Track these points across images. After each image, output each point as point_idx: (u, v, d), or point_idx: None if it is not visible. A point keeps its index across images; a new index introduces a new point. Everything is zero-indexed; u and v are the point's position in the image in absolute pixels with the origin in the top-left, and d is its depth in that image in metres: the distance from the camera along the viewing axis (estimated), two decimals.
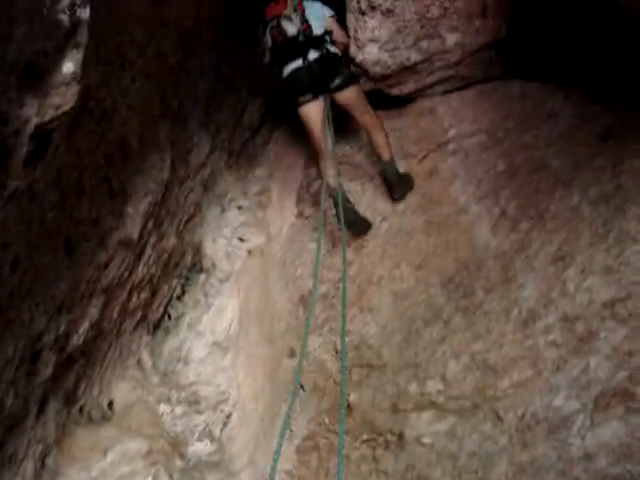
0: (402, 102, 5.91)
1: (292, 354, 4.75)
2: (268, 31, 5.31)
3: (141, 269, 4.41)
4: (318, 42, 5.23)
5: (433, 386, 3.91)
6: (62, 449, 4.01)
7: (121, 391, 4.64)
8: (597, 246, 4.03)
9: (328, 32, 5.37)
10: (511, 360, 3.78)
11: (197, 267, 5.65)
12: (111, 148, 3.64)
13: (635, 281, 3.73)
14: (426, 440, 3.73)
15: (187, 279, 5.60)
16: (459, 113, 5.57)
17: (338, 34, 5.45)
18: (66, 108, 2.20)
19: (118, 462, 4.14)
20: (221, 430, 4.70)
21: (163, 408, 4.73)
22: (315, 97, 5.23)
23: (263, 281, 5.42)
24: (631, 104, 4.58)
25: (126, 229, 3.90)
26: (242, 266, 5.60)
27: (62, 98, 2.18)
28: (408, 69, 5.63)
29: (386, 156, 5.27)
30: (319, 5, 5.49)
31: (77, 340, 3.73)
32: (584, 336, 3.69)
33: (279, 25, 5.23)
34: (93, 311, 3.82)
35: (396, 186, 5.24)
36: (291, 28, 5.20)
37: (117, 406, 4.55)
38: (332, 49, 5.30)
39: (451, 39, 5.48)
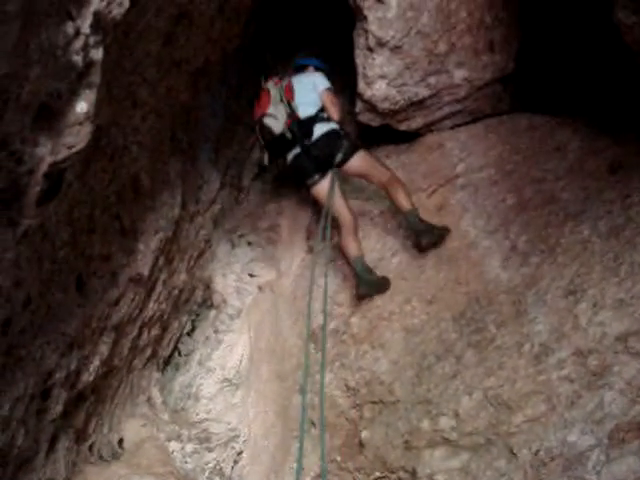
0: (411, 137, 5.94)
1: (301, 390, 4.72)
2: (257, 131, 5.32)
3: (152, 306, 4.42)
4: (311, 124, 5.24)
5: (446, 422, 3.87)
6: None
7: (131, 428, 4.62)
8: (608, 280, 4.01)
9: (322, 109, 5.35)
10: (524, 395, 3.74)
11: (207, 303, 5.65)
12: (122, 185, 3.67)
13: None
14: (439, 477, 3.68)
15: (197, 315, 5.60)
16: (468, 147, 5.59)
17: (331, 110, 5.38)
18: (79, 147, 2.23)
19: None
20: (232, 468, 4.66)
21: (173, 446, 4.70)
22: (323, 175, 5.23)
23: (273, 317, 5.41)
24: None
25: (137, 266, 3.92)
26: (252, 302, 5.60)
27: (75, 137, 2.20)
28: (416, 104, 5.68)
29: (407, 206, 5.03)
30: (311, 78, 5.53)
31: (88, 377, 3.73)
32: (598, 370, 3.65)
33: (264, 125, 5.23)
34: (104, 348, 3.82)
35: (423, 235, 4.93)
36: (276, 126, 5.19)
37: (127, 444, 4.53)
38: (327, 126, 5.27)
39: (459, 74, 5.53)
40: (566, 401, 3.63)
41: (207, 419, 4.99)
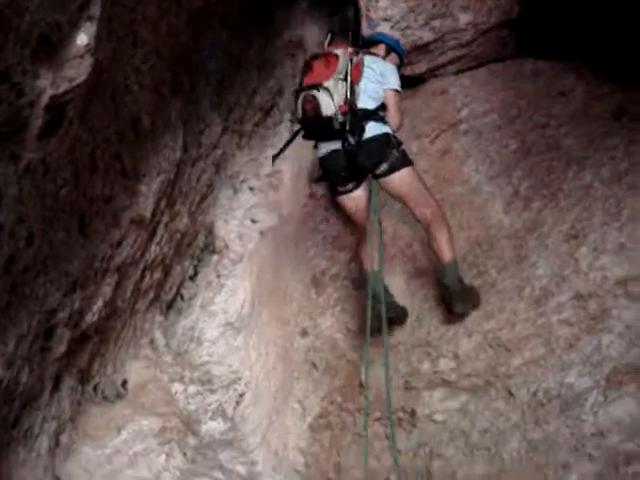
0: (414, 82, 5.88)
1: (304, 334, 4.76)
2: (300, 100, 4.16)
3: (154, 249, 4.44)
4: (365, 119, 4.17)
5: (445, 364, 3.92)
6: (76, 427, 4.05)
7: (135, 370, 4.68)
8: (610, 224, 4.02)
9: (381, 107, 4.32)
10: (524, 338, 3.79)
11: (210, 248, 5.66)
12: (123, 126, 3.65)
13: None
14: (438, 417, 3.75)
15: (200, 260, 5.62)
16: (471, 93, 5.53)
17: (393, 112, 4.37)
18: (80, 80, 2.21)
19: (132, 440, 4.19)
20: (234, 409, 4.73)
21: (176, 387, 4.76)
22: (357, 186, 4.27)
23: (275, 262, 5.42)
24: None
25: (139, 207, 3.92)
26: (254, 247, 5.61)
27: (76, 70, 2.19)
28: (420, 49, 5.59)
29: (447, 257, 4.07)
30: (383, 67, 4.42)
31: (91, 317, 3.76)
32: (597, 314, 3.69)
33: (314, 98, 4.08)
34: (107, 289, 3.85)
35: (457, 298, 4.01)
36: (328, 106, 4.06)
37: (131, 385, 4.59)
38: (380, 129, 4.20)
39: (463, 18, 5.43)
40: (565, 344, 3.67)
41: (209, 362, 5.05)
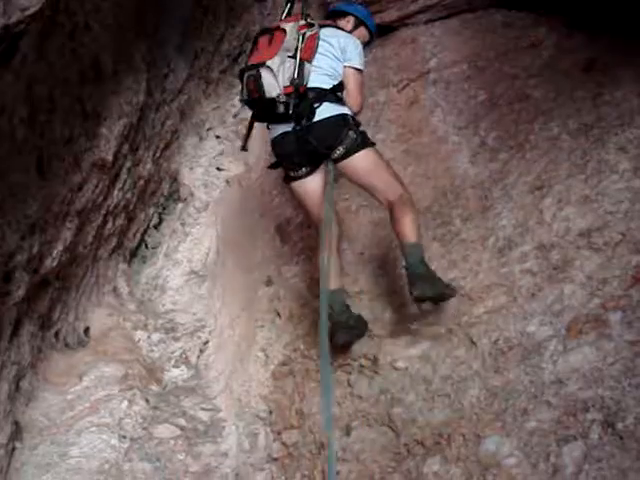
0: (385, 31, 5.80)
1: (269, 282, 4.75)
2: (245, 80, 3.82)
3: (116, 194, 4.37)
4: (317, 100, 3.80)
5: (408, 313, 3.93)
6: (37, 373, 4.02)
7: (97, 317, 4.64)
8: (575, 176, 4.03)
9: (339, 86, 3.91)
10: (486, 287, 3.80)
11: (174, 196, 5.60)
12: (84, 67, 3.55)
13: (612, 211, 3.75)
14: (400, 364, 3.76)
15: (164, 208, 5.56)
16: (441, 42, 5.49)
17: (352, 93, 3.96)
18: (33, 10, 2.12)
19: (94, 386, 4.17)
20: (198, 357, 4.72)
21: (140, 335, 4.74)
22: (312, 171, 3.95)
23: (241, 211, 5.38)
24: (615, 34, 4.53)
25: (100, 151, 3.84)
26: (220, 196, 5.57)
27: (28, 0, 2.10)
28: None
29: (412, 238, 3.72)
30: (343, 41, 3.98)
31: (51, 263, 3.70)
32: (559, 264, 3.71)
33: (257, 78, 3.72)
34: (67, 234, 3.78)
35: (420, 280, 3.62)
36: (271, 87, 3.70)
37: (93, 332, 4.56)
38: (336, 109, 3.83)
39: None
40: (527, 293, 3.69)
41: (173, 310, 5.03)
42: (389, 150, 4.93)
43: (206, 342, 4.77)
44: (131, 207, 4.78)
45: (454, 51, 5.34)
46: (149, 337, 4.75)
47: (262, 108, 3.87)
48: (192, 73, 5.47)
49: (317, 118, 3.79)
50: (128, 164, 4.40)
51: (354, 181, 4.02)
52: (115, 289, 4.91)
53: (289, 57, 3.73)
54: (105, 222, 4.40)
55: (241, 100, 4.07)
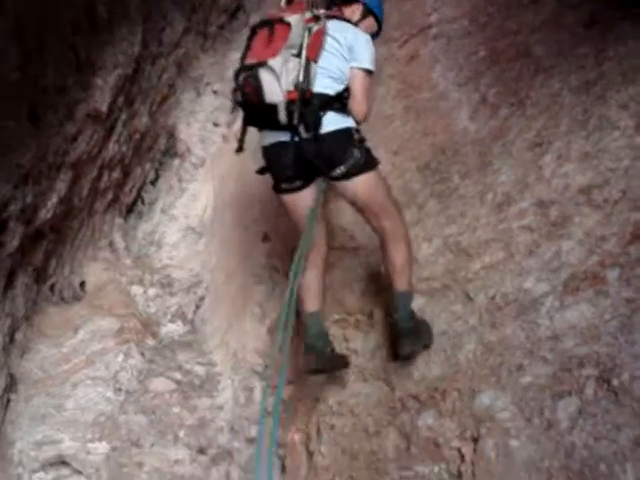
0: None
1: (265, 238, 4.73)
2: (240, 82, 3.31)
3: (111, 146, 4.32)
4: (322, 109, 3.31)
5: None
6: (32, 325, 4.02)
7: (93, 272, 4.63)
8: (576, 133, 3.97)
9: (345, 91, 3.42)
10: (484, 243, 3.77)
11: (171, 152, 5.55)
12: (78, 14, 3.49)
13: (612, 167, 3.70)
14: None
15: (161, 164, 5.51)
16: None
17: (359, 99, 3.43)
18: None
19: (89, 339, 4.17)
20: (194, 312, 4.72)
21: (136, 290, 4.73)
22: (305, 185, 3.53)
23: (238, 167, 5.33)
24: None
25: (95, 101, 3.79)
26: (217, 151, 5.52)
27: None
28: None
29: (401, 286, 3.47)
30: (351, 36, 3.45)
31: (45, 214, 3.67)
32: (558, 221, 3.67)
33: (256, 79, 3.20)
34: (61, 185, 3.75)
35: (406, 337, 3.42)
36: (272, 91, 3.19)
37: (89, 286, 4.55)
38: (342, 121, 3.37)
39: None
40: (524, 249, 3.66)
41: (170, 265, 5.01)
42: (389, 106, 4.89)
43: (202, 297, 4.77)
44: (127, 161, 4.74)
45: (455, 6, 5.25)
46: (145, 292, 4.74)
47: (260, 115, 3.35)
48: (189, 27, 5.39)
49: (322, 131, 3.30)
50: (123, 116, 4.35)
51: (348, 201, 3.62)
52: (111, 244, 4.89)
53: (293, 56, 3.21)
54: (100, 175, 4.36)
55: (236, 102, 3.54)
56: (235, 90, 3.39)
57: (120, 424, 3.86)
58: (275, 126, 3.33)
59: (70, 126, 3.62)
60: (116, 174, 4.62)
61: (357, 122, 3.46)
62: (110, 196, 4.69)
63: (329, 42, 3.38)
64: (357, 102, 3.43)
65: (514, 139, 4.16)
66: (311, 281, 3.62)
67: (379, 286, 3.94)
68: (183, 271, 4.93)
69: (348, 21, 3.60)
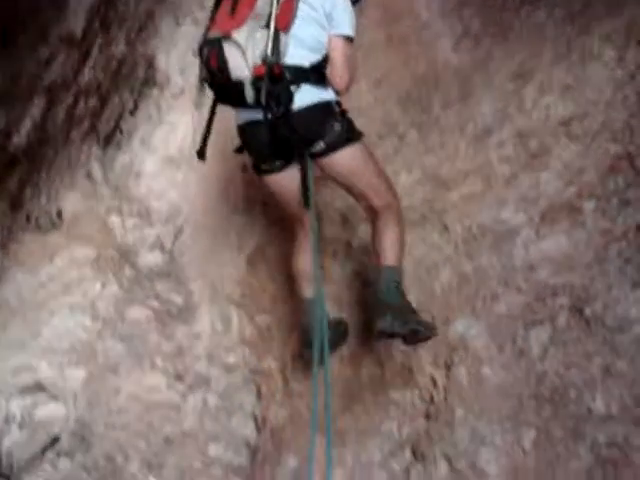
0: None
1: (245, 169, 4.68)
2: (204, 57, 3.04)
3: (87, 72, 4.26)
4: (295, 82, 3.01)
5: None
6: (8, 253, 4.02)
7: (70, 201, 4.60)
8: (558, 65, 3.93)
9: (323, 61, 3.11)
10: (462, 173, 3.77)
11: (150, 81, 5.43)
12: None
13: (593, 100, 3.67)
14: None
15: (140, 94, 5.40)
16: None
17: (339, 69, 3.14)
18: None
19: (66, 267, 4.17)
20: (172, 242, 4.69)
21: (114, 219, 4.70)
22: (286, 164, 3.26)
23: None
24: None
25: (68, 24, 3.72)
26: (197, 81, 5.41)
27: None
28: None
29: (389, 259, 3.15)
30: (335, 1, 3.10)
31: (19, 140, 3.64)
32: (537, 152, 3.67)
33: (220, 53, 2.92)
34: (35, 111, 3.71)
35: (391, 312, 3.05)
36: (237, 66, 2.90)
37: (66, 215, 4.53)
38: (318, 95, 3.08)
39: None
40: (503, 180, 3.66)
41: (149, 195, 4.94)
42: (370, 36, 4.79)
43: (181, 228, 4.72)
44: (104, 89, 4.67)
45: None
46: (123, 222, 4.70)
47: (228, 92, 3.09)
48: None
49: (295, 106, 3.02)
50: (99, 41, 4.27)
51: (335, 180, 3.37)
52: (89, 173, 4.84)
53: (261, 27, 2.89)
54: (76, 102, 4.31)
55: (202, 80, 3.21)
56: (200, 67, 3.11)
57: (97, 351, 3.90)
58: (245, 104, 3.03)
59: (43, 49, 3.56)
60: (93, 102, 4.57)
61: (338, 93, 3.20)
62: (87, 125, 4.63)
63: (302, 9, 3.03)
64: (337, 72, 3.14)
65: (496, 70, 4.11)
66: (305, 265, 3.38)
67: (357, 218, 3.93)
68: (162, 202, 4.87)
69: None
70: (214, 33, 3.00)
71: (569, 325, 3.14)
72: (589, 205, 3.38)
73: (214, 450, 3.63)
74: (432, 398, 3.21)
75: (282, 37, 2.92)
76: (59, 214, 4.49)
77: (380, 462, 3.19)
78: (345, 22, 3.11)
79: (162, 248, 4.64)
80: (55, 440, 3.69)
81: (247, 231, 4.36)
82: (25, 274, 4.04)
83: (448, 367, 3.24)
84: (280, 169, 3.27)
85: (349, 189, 3.35)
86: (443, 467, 3.03)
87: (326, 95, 3.12)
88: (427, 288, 3.48)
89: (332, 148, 3.13)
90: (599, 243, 3.25)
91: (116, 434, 3.69)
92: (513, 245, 3.43)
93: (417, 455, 3.12)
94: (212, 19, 3.10)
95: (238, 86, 2.93)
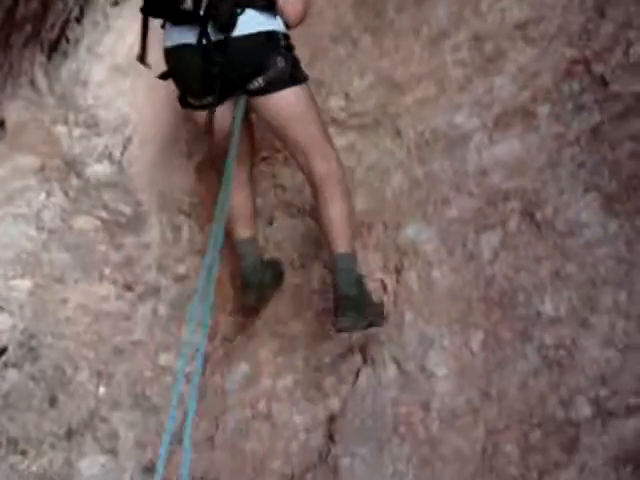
0: None
1: None
2: None
3: None
4: (238, 5, 2.60)
5: (335, 103, 3.80)
6: None
7: (13, 110, 4.44)
8: None
9: None
10: (416, 78, 3.67)
11: None
12: None
13: (550, 3, 3.57)
14: None
15: (86, 0, 5.19)
16: None
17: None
18: None
19: (9, 177, 4.06)
20: (121, 153, 4.55)
21: (60, 130, 4.54)
22: (219, 102, 2.85)
23: None
24: None
25: None
26: None
27: None
28: None
29: (342, 247, 2.87)
30: None
31: None
32: (492, 56, 3.58)
33: None
34: None
35: (350, 308, 2.82)
36: None
37: (9, 125, 4.38)
38: (262, 23, 2.69)
39: None
40: (457, 85, 3.58)
41: (96, 105, 4.77)
42: None
43: (130, 138, 4.58)
44: None
45: None
46: (69, 132, 4.55)
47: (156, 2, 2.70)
48: None
49: (236, 33, 2.59)
50: None
51: (270, 127, 3.02)
52: (32, 82, 4.64)
53: None
54: (16, 4, 4.08)
55: None
56: None
57: (43, 261, 3.82)
58: (179, 17, 2.66)
59: None
60: (34, 5, 4.34)
61: (287, 26, 2.82)
62: (29, 29, 4.42)
63: None
64: (289, 3, 2.75)
65: None
66: (240, 203, 3.18)
67: None
68: (110, 111, 4.71)
69: None
70: None
71: (520, 229, 3.13)
72: (543, 109, 3.34)
73: (164, 359, 3.61)
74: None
75: None
76: (1, 123, 4.33)
77: (329, 366, 3.20)
78: None
79: (110, 158, 4.50)
80: (2, 351, 3.63)
81: (196, 139, 4.24)
82: None
83: (398, 271, 3.23)
84: (210, 106, 2.84)
85: (285, 138, 2.98)
86: (392, 369, 3.05)
87: (272, 25, 2.71)
88: (378, 194, 3.44)
89: (272, 87, 2.74)
90: (552, 147, 3.23)
91: (65, 344, 3.65)
92: (466, 150, 3.39)
93: (366, 358, 3.13)
94: None
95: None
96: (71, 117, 4.63)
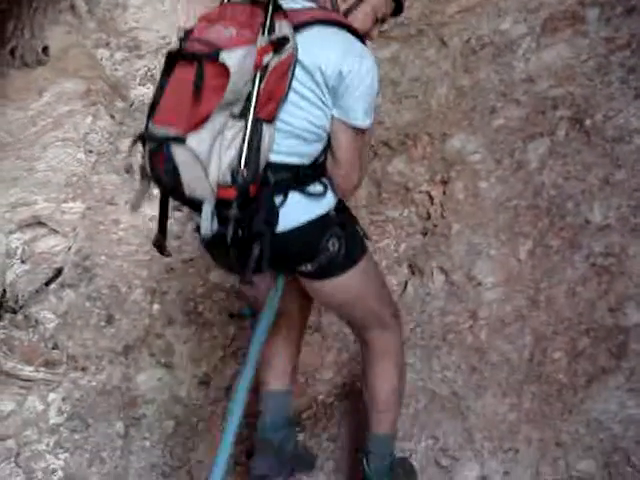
0: None
1: None
2: (147, 152, 1.97)
3: None
4: (280, 191, 2.05)
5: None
6: None
7: (55, 36, 4.41)
8: None
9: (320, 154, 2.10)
10: None
11: None
12: None
13: None
14: None
15: None
16: None
17: (342, 164, 2.09)
18: None
19: (55, 102, 4.07)
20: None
21: (102, 53, 4.52)
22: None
23: None
24: None
25: None
26: None
27: None
28: None
29: (382, 428, 2.50)
30: (344, 57, 1.94)
31: None
32: None
33: (170, 158, 1.87)
34: None
35: None
36: (194, 180, 1.87)
37: (52, 50, 4.36)
38: (311, 210, 2.12)
39: None
40: None
41: (136, 27, 4.75)
42: None
43: None
44: None
45: None
46: (112, 55, 4.53)
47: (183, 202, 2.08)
48: None
49: (279, 228, 2.06)
50: None
51: (324, 305, 2.75)
52: (73, 7, 4.62)
53: (233, 117, 1.85)
54: None
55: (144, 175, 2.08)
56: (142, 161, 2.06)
57: (93, 184, 3.85)
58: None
59: None
60: None
61: (339, 198, 2.20)
62: None
63: (299, 77, 1.97)
64: (342, 171, 2.12)
65: None
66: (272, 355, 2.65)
67: None
68: (150, 33, 4.67)
69: (335, 23, 2.03)
70: (160, 127, 1.95)
71: (568, 137, 3.09)
72: (592, 13, 3.26)
73: (215, 276, 3.66)
74: (429, 215, 3.21)
75: (266, 130, 1.91)
76: (45, 50, 4.32)
77: None
78: (358, 104, 2.01)
79: (153, 80, 4.50)
80: (58, 272, 3.72)
81: None
82: (14, 110, 3.93)
83: (445, 183, 3.21)
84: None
85: (338, 316, 2.72)
86: (439, 280, 3.06)
87: (321, 207, 2.15)
88: (423, 105, 3.41)
89: (323, 273, 2.25)
90: (601, 52, 3.16)
91: (118, 264, 3.71)
92: (513, 57, 3.34)
93: (414, 270, 3.15)
94: (159, 94, 2.04)
95: (196, 205, 1.95)
96: (112, 41, 4.61)
